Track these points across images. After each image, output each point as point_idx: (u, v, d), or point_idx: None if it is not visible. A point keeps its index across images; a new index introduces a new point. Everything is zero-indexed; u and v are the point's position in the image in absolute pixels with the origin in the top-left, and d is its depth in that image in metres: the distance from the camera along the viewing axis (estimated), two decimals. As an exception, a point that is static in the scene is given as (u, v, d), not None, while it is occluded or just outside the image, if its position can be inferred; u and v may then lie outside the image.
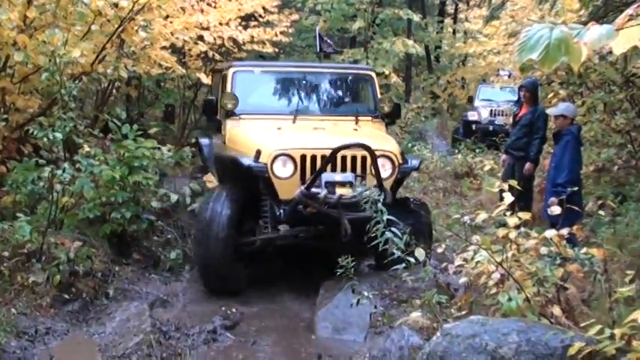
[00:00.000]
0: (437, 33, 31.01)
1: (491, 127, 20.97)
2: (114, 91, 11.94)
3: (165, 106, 18.23)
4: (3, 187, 9.13)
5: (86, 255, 8.51)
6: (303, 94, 10.34)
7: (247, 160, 8.57)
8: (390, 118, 10.45)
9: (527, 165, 10.70)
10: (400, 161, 8.70)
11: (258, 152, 8.51)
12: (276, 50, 16.08)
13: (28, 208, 8.94)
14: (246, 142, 9.02)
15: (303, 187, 8.07)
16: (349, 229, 7.85)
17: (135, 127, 10.09)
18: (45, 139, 8.46)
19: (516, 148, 10.94)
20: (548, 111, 9.91)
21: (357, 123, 9.71)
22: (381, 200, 7.16)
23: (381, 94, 10.97)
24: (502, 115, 21.19)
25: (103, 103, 11.63)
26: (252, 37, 13.41)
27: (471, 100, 24.97)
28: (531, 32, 3.14)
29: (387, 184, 8.37)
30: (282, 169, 8.35)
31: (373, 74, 10.72)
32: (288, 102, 10.27)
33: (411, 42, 23.93)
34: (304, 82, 10.39)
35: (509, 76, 21.68)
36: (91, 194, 8.90)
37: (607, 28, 3.13)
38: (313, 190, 8.08)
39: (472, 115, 22.42)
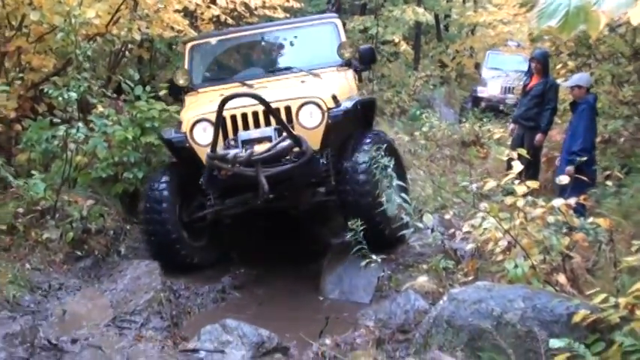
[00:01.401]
0: (447, 1, 30.83)
1: (501, 107, 19.14)
2: (127, 52, 11.89)
3: (177, 68, 18.19)
4: (18, 144, 9.16)
5: (99, 213, 8.59)
6: (262, 57, 9.88)
7: (168, 133, 8.32)
8: (363, 64, 9.51)
9: (539, 136, 10.71)
10: (329, 106, 7.85)
11: (180, 123, 8.24)
12: (288, 16, 15.99)
13: (43, 166, 8.99)
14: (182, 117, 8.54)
15: (208, 151, 7.58)
16: (266, 187, 7.36)
17: (147, 88, 10.10)
18: (59, 99, 8.45)
19: (527, 119, 10.91)
20: (564, 84, 9.91)
21: (318, 76, 8.83)
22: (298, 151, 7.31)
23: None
24: (513, 92, 19.46)
25: (116, 65, 11.59)
26: (264, 1, 13.34)
27: (477, 67, 24.52)
28: (550, -1, 3.13)
29: (318, 133, 7.79)
30: (203, 135, 7.83)
31: (336, 21, 9.74)
32: (246, 67, 9.73)
33: (421, 10, 23.81)
34: (263, 44, 9.89)
35: (517, 46, 21.47)
36: (104, 154, 8.95)
37: (626, -3, 3.11)
38: (223, 151, 7.57)
39: (482, 92, 21.28)
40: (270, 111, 7.48)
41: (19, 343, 5.84)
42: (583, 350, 3.96)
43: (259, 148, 7.48)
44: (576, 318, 4.17)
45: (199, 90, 9.20)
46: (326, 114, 7.76)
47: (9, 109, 8.92)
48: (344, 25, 11.07)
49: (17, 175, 8.50)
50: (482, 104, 20.58)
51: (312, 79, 8.73)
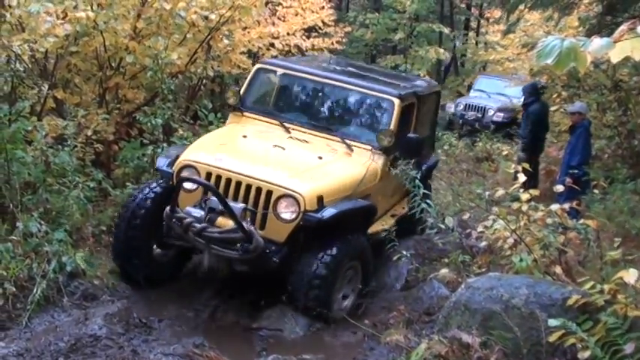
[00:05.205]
0: (462, 43, 30.72)
1: (460, 120, 19.92)
2: (202, 86, 12.02)
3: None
4: (115, 161, 9.32)
5: (180, 217, 8.65)
6: (313, 105, 8.08)
7: (162, 162, 6.97)
8: (404, 153, 7.29)
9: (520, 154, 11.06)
10: (308, 207, 6.21)
11: (177, 157, 6.80)
12: (332, 57, 16.08)
13: (134, 178, 9.11)
14: None
15: (167, 208, 6.28)
16: (207, 264, 6.39)
17: (218, 115, 10.25)
18: (148, 124, 8.65)
19: (520, 137, 11.15)
20: (569, 109, 10.07)
21: (349, 150, 7.26)
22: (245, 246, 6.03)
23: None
24: (474, 110, 19.83)
25: (193, 96, 11.71)
26: (313, 45, 13.39)
27: (469, 88, 24.20)
28: (547, 42, 3.15)
29: (288, 227, 6.28)
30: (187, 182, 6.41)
31: (395, 101, 7.58)
32: (294, 110, 8.07)
33: (441, 50, 23.84)
34: (321, 93, 8.03)
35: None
36: (183, 169, 9.02)
37: (606, 41, 3.13)
38: (184, 213, 6.27)
39: (449, 108, 20.90)
40: (228, 210, 6.03)
41: (117, 321, 5.95)
42: (575, 328, 3.97)
43: (221, 221, 6.22)
44: (570, 302, 4.18)
45: (245, 113, 7.78)
46: (301, 214, 6.22)
47: (108, 133, 9.11)
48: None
49: (115, 186, 8.64)
50: (447, 117, 20.49)
51: (331, 158, 7.12)
